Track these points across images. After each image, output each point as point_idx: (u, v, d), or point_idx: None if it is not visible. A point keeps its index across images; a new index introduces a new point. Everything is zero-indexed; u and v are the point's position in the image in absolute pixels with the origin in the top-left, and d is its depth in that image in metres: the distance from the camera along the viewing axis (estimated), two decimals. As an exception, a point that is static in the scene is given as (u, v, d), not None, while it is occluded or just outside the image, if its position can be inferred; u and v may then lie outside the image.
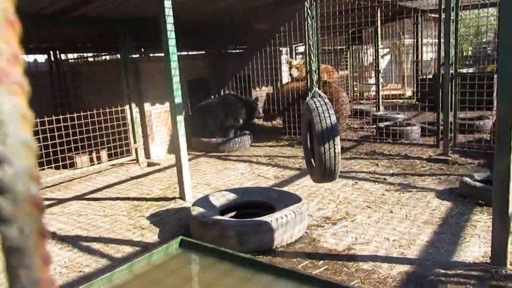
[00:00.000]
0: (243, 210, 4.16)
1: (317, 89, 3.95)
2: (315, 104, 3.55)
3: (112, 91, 7.17)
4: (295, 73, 8.63)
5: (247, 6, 7.56)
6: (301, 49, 10.62)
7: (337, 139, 3.39)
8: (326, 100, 3.62)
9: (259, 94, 9.88)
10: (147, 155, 7.33)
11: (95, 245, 3.80)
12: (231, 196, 4.21)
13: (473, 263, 3.09)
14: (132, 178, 6.23)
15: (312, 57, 4.60)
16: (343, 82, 12.27)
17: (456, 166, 5.68)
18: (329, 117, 3.43)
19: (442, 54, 6.37)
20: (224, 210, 4.05)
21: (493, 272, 2.92)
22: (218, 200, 4.12)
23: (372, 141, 7.46)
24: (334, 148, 3.38)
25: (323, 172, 3.45)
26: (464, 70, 9.91)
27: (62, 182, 6.10)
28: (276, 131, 8.79)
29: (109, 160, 6.79)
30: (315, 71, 7.03)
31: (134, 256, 3.46)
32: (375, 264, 3.17)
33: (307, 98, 3.78)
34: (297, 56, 10.69)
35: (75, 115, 6.17)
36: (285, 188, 5.14)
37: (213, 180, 5.82)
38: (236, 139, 7.71)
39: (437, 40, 6.84)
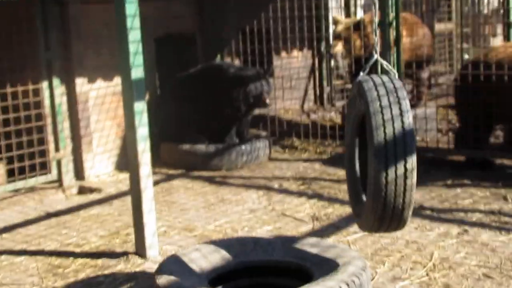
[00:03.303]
0: (253, 279, 4.17)
1: (380, 59, 3.97)
2: (375, 88, 3.56)
3: (18, 57, 7.26)
4: (338, 46, 8.52)
5: None
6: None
7: (413, 159, 3.40)
8: (397, 82, 3.63)
9: (287, 62, 9.93)
10: (79, 173, 7.38)
11: None
12: (231, 252, 4.21)
13: None
14: (50, 216, 6.25)
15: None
16: (443, 44, 12.21)
17: None
18: (401, 114, 3.43)
19: None
20: (217, 278, 4.06)
21: None
22: (207, 259, 4.12)
23: (496, 151, 7.38)
24: (406, 175, 3.38)
25: (381, 215, 3.46)
26: None
27: None
28: (319, 131, 8.79)
29: (10, 182, 6.85)
30: (383, 25, 7.03)
31: None
32: None
33: (361, 74, 3.80)
34: (356, 8, 10.76)
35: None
36: (332, 239, 5.13)
37: (199, 222, 5.81)
38: (243, 146, 7.77)
39: None
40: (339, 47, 8.52)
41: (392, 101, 3.47)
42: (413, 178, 3.40)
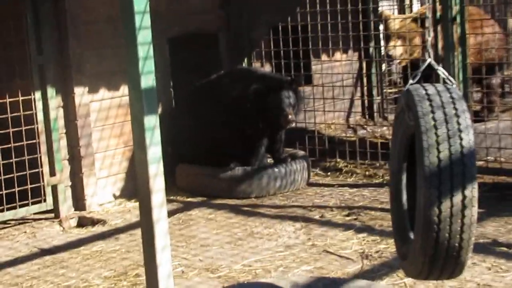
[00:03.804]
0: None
1: (434, 63, 3.93)
2: (427, 99, 3.52)
3: (4, 63, 7.31)
4: (396, 49, 8.50)
5: None
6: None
7: (473, 185, 3.36)
8: (455, 91, 3.59)
9: (328, 67, 9.91)
10: (79, 201, 7.41)
11: None
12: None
13: None
14: (45, 253, 6.27)
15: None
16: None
17: None
18: (460, 131, 3.39)
19: None
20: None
21: None
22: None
23: None
24: (464, 205, 3.35)
25: (433, 256, 3.43)
26: None
27: None
28: (368, 150, 8.76)
29: (-4, 212, 6.92)
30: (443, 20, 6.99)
31: None
32: None
33: (410, 82, 3.77)
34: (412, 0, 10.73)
35: None
36: (386, 282, 5.09)
37: (223, 261, 5.80)
38: (276, 169, 7.76)
39: None
40: (399, 48, 8.49)
41: (448, 115, 3.45)
42: (473, 209, 3.36)
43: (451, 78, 3.87)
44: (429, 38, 4.02)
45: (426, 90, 3.58)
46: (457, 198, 3.34)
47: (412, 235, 3.72)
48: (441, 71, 3.94)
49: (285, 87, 7.82)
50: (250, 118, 7.81)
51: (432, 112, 3.45)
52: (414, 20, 8.42)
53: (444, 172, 3.34)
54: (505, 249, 5.67)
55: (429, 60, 3.94)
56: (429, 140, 3.39)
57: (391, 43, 8.63)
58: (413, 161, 3.69)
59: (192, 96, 8.39)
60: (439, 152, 3.36)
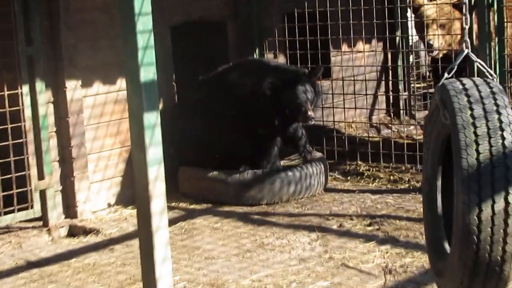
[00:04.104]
0: None
1: (472, 55, 3.95)
2: (464, 93, 3.53)
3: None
4: (437, 38, 8.49)
5: None
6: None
7: None
8: (495, 84, 3.60)
9: (349, 59, 9.90)
10: (70, 208, 7.43)
11: None
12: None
13: None
14: (31, 265, 6.28)
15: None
16: None
17: None
18: (501, 128, 3.39)
19: None
20: None
21: None
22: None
23: None
24: (508, 212, 3.34)
25: (473, 270, 3.43)
26: None
27: None
28: (393, 151, 8.78)
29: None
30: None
31: None
32: None
33: (445, 76, 3.78)
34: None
35: None
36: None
37: (230, 275, 5.81)
38: (289, 172, 7.77)
39: None
40: (441, 38, 8.49)
41: (488, 110, 3.45)
42: None
43: (491, 71, 3.88)
44: (466, 27, 4.03)
45: (462, 83, 3.59)
46: (499, 205, 3.34)
47: (448, 248, 3.72)
48: (480, 64, 3.95)
49: (303, 80, 7.84)
50: (264, 115, 7.83)
51: (470, 107, 3.46)
52: (454, 5, 8.38)
53: (484, 173, 3.34)
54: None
55: (466, 51, 3.95)
56: (467, 137, 3.39)
57: (430, 32, 8.61)
58: (449, 165, 3.69)
59: (198, 91, 8.40)
60: (478, 153, 3.36)
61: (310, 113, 7.67)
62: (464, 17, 4.12)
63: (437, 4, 8.79)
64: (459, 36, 8.38)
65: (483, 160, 3.34)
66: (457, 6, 8.28)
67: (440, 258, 3.81)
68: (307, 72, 8.09)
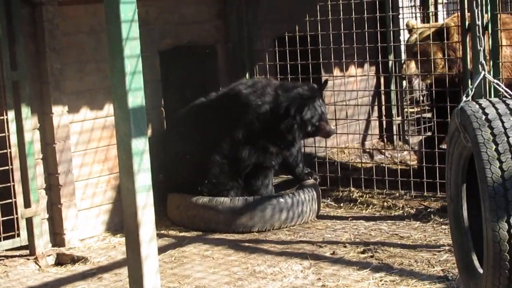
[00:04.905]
0: None
1: (489, 77, 3.95)
2: (482, 111, 3.53)
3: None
4: (411, 65, 8.51)
5: None
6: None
7: None
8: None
9: (341, 83, 9.89)
10: (57, 236, 7.40)
11: None
12: None
13: None
14: (17, 295, 6.27)
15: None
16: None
17: None
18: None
19: None
20: None
21: None
22: None
23: None
24: None
25: None
26: None
27: None
28: (387, 178, 8.78)
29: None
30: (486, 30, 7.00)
31: None
32: None
33: (463, 100, 3.78)
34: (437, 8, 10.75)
35: None
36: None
37: (221, 304, 5.80)
38: (281, 199, 7.75)
39: None
40: (412, 67, 8.51)
41: (508, 126, 3.44)
42: None
43: (509, 91, 3.89)
44: (481, 49, 4.03)
45: (479, 104, 3.59)
46: None
47: (479, 266, 3.71)
48: (497, 84, 3.97)
49: (318, 95, 8.01)
50: (281, 133, 7.92)
51: (489, 124, 3.48)
52: (437, 32, 8.40)
53: (510, 190, 3.34)
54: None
55: (483, 73, 3.96)
56: (490, 154, 3.41)
57: (406, 61, 8.65)
58: (474, 183, 3.68)
59: (188, 117, 8.37)
60: (502, 166, 3.35)
61: (329, 128, 7.97)
62: (478, 39, 4.14)
63: (423, 29, 8.79)
64: (439, 63, 8.37)
65: (508, 176, 3.33)
66: (438, 33, 8.32)
67: (472, 278, 3.78)
68: (318, 86, 8.25)
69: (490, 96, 6.60)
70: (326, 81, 8.30)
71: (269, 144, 7.98)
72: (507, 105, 3.51)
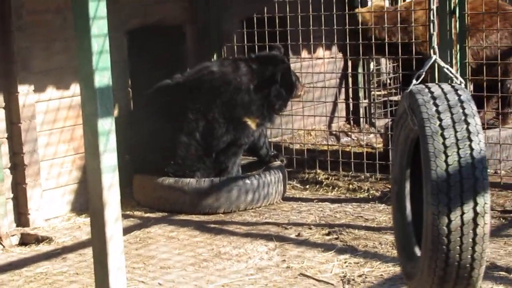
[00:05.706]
0: None
1: (440, 61, 4.00)
2: (433, 101, 3.57)
3: None
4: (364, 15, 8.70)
5: None
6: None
7: (486, 198, 3.40)
8: (464, 92, 3.65)
9: (309, 65, 9.92)
10: (21, 216, 7.38)
11: None
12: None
13: None
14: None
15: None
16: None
17: None
18: (469, 138, 3.45)
19: None
20: None
21: None
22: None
23: None
24: (476, 220, 3.39)
25: (442, 275, 3.48)
26: None
27: None
28: (352, 160, 8.84)
29: None
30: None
31: None
32: None
33: (413, 83, 3.82)
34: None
35: None
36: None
37: (186, 285, 5.81)
38: (247, 180, 7.79)
39: None
40: (367, 14, 8.89)
41: (456, 119, 3.48)
42: (486, 224, 3.40)
43: (459, 77, 3.92)
44: (434, 33, 4.08)
45: (431, 91, 3.63)
46: (468, 211, 3.39)
47: (418, 250, 3.75)
48: (448, 69, 4.01)
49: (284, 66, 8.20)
50: (254, 102, 8.06)
51: (439, 116, 3.51)
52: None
53: (453, 182, 3.39)
54: (504, 273, 5.72)
55: (434, 57, 4.00)
56: (436, 147, 3.44)
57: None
58: (418, 168, 3.72)
59: (155, 97, 8.35)
60: (447, 160, 3.40)
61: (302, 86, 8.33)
62: (431, 23, 4.18)
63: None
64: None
65: (452, 170, 3.37)
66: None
67: (410, 260, 3.84)
68: (282, 53, 8.45)
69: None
70: (281, 47, 8.45)
71: (251, 117, 8.01)
72: (458, 96, 3.54)
